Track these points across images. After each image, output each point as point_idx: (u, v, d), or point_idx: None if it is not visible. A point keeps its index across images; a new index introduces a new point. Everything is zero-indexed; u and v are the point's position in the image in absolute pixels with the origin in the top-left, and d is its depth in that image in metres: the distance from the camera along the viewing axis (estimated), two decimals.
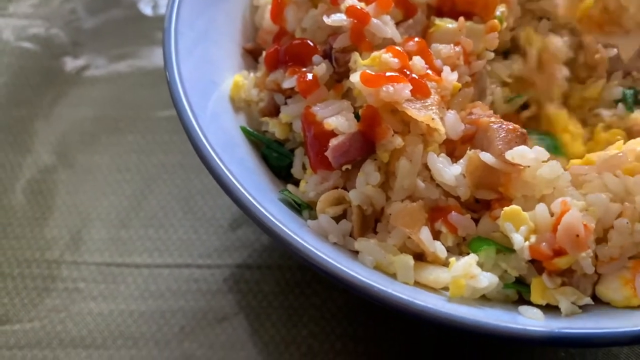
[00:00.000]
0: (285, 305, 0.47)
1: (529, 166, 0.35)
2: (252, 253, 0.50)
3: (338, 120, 0.37)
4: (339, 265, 0.33)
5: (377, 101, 0.37)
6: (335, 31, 0.42)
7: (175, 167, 0.55)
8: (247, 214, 0.36)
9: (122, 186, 0.54)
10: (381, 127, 0.36)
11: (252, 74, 0.45)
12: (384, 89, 0.36)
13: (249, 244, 0.51)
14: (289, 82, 0.40)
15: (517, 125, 0.37)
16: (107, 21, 0.65)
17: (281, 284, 0.49)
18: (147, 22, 0.65)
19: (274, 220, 0.35)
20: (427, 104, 0.36)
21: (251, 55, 0.48)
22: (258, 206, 0.35)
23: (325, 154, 0.37)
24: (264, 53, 0.45)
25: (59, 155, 0.56)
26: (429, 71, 0.38)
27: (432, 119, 0.36)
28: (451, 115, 0.37)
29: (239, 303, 0.48)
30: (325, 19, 0.40)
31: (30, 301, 0.49)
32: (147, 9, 0.66)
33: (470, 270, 0.34)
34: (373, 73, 0.37)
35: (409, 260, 0.35)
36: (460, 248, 0.37)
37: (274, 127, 0.42)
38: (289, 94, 0.42)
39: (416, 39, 0.40)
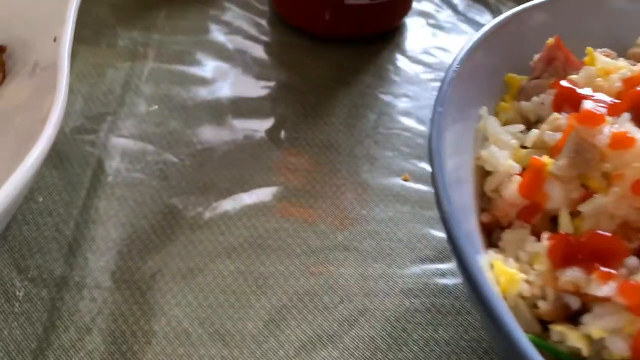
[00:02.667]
0: None
1: None
2: None
3: None
4: None
5: None
6: (632, 223, 0.31)
7: None
8: None
9: None
10: None
11: (512, 262, 0.33)
12: None
13: None
14: (605, 290, 0.29)
15: None
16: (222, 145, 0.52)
17: None
18: (269, 151, 0.53)
19: None
20: None
21: (483, 228, 0.36)
22: None
23: None
24: (506, 232, 0.34)
25: (201, 320, 0.42)
26: None
27: None
28: None
29: None
30: None
31: None
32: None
33: None
34: None
35: None
36: None
37: (578, 342, 0.30)
38: (593, 299, 0.30)
39: None
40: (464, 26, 0.68)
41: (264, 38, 0.63)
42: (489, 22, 0.69)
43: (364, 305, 0.44)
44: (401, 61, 0.63)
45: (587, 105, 0.33)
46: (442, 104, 0.34)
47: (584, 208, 0.33)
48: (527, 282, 0.32)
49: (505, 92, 0.42)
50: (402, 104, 0.59)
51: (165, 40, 0.61)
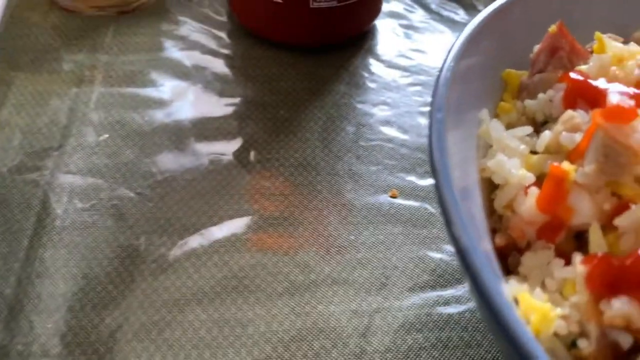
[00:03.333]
0: None
1: None
2: None
3: None
4: None
5: None
6: None
7: None
8: None
9: None
10: None
11: (540, 293, 0.27)
12: None
13: None
14: None
15: None
16: (188, 182, 0.46)
17: None
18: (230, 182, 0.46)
19: None
20: None
21: (497, 252, 0.30)
22: None
23: None
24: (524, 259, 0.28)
25: None
26: None
27: None
28: None
29: None
30: None
31: None
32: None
33: None
34: None
35: None
36: None
37: None
38: None
39: None
40: (439, 25, 0.62)
41: (225, 51, 0.57)
42: (464, 19, 0.64)
43: (361, 348, 0.37)
44: (376, 66, 0.57)
45: (614, 98, 0.28)
46: (441, 109, 0.28)
47: (621, 222, 0.27)
48: (563, 317, 0.26)
49: (503, 91, 0.36)
50: (382, 112, 0.53)
51: (114, 61, 0.54)
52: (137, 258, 0.40)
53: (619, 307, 0.24)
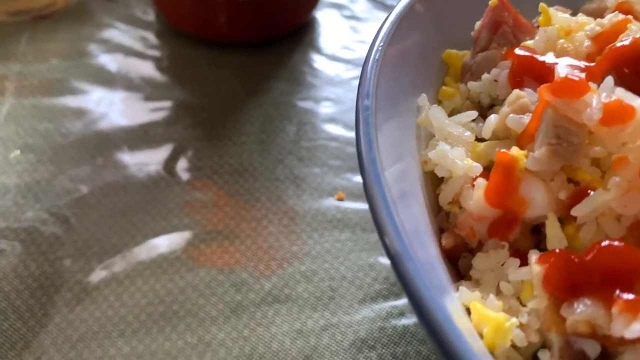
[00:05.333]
0: None
1: None
2: None
3: None
4: None
5: None
6: None
7: None
8: None
9: None
10: None
11: (494, 300, 0.24)
12: None
13: None
14: (636, 328, 0.20)
15: None
16: (111, 200, 0.41)
17: None
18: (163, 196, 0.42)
19: None
20: None
21: (446, 254, 0.27)
22: None
23: None
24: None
25: None
26: None
27: None
28: None
29: None
30: None
31: None
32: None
33: None
34: None
35: None
36: None
37: None
38: (618, 343, 0.21)
39: None
40: (383, 14, 0.59)
41: (152, 53, 0.53)
42: None
43: None
44: (318, 61, 0.53)
45: (562, 71, 0.25)
46: (369, 96, 0.24)
47: (579, 211, 0.23)
48: (520, 325, 0.23)
49: (445, 74, 0.33)
50: (325, 109, 0.49)
51: (27, 70, 0.49)
52: (51, 288, 0.36)
53: (582, 310, 0.21)
